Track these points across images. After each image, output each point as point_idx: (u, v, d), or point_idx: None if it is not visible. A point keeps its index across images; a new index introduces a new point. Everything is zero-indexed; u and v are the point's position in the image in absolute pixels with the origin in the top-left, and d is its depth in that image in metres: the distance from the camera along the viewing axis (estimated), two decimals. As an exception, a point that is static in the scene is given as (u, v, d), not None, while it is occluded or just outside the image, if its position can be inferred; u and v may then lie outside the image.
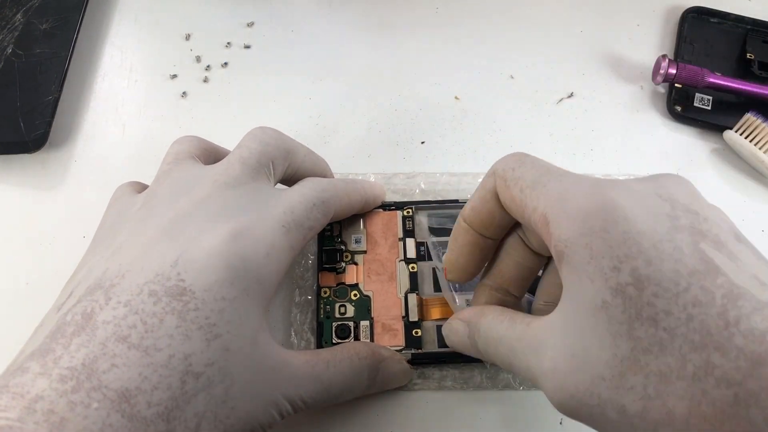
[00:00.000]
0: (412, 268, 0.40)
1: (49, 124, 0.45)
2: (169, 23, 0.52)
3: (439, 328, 0.38)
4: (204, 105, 0.48)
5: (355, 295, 0.39)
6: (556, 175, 0.29)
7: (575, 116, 0.48)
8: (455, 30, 0.52)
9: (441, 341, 0.38)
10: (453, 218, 0.41)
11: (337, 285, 0.39)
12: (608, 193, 0.26)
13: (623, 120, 0.48)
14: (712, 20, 0.52)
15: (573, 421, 0.36)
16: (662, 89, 0.49)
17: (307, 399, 0.32)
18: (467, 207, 0.34)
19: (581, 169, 0.45)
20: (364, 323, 0.38)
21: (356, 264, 0.40)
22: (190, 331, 0.28)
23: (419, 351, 0.37)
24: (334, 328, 0.38)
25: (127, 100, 0.49)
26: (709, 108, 0.47)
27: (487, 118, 0.48)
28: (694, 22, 0.52)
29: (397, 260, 0.40)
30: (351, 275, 0.40)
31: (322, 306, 0.39)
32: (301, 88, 0.49)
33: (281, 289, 0.40)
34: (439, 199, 0.43)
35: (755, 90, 0.46)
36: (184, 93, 0.49)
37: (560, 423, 0.37)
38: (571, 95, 0.49)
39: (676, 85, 0.48)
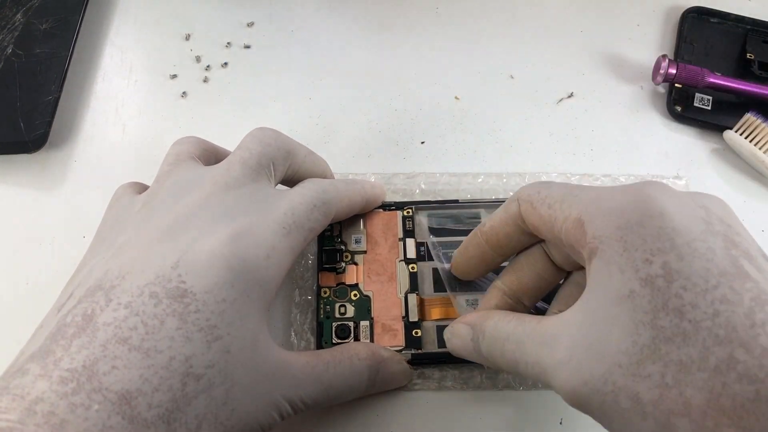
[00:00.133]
0: (412, 268, 0.40)
1: (49, 124, 0.45)
2: (169, 23, 0.52)
3: (439, 328, 0.38)
4: (204, 105, 0.48)
5: (355, 295, 0.39)
6: (585, 187, 0.30)
7: (575, 116, 0.48)
8: (455, 30, 0.52)
9: (441, 341, 0.38)
10: (453, 218, 0.42)
11: (337, 285, 0.39)
12: (645, 189, 0.27)
13: (623, 120, 0.48)
14: (712, 20, 0.52)
15: (573, 421, 0.37)
16: (662, 89, 0.49)
17: (307, 400, 0.32)
18: (487, 224, 0.35)
19: (581, 169, 0.45)
20: (364, 323, 0.38)
21: (356, 264, 0.40)
22: (190, 333, 0.28)
23: (419, 351, 0.37)
24: (334, 329, 0.38)
25: (127, 100, 0.49)
26: (709, 108, 0.47)
27: (487, 118, 0.48)
28: (694, 22, 0.52)
29: (397, 260, 0.40)
30: (351, 275, 0.40)
31: (322, 306, 0.39)
32: (301, 88, 0.49)
33: (281, 289, 0.40)
34: (439, 199, 0.43)
35: (755, 90, 0.46)
36: (184, 93, 0.49)
37: (560, 423, 0.37)
38: (571, 95, 0.49)
39: (676, 85, 0.48)
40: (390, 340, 0.38)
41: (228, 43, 0.51)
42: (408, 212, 0.42)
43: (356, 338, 0.38)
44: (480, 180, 0.44)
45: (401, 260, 0.40)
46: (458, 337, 0.34)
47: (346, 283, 0.40)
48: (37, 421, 0.24)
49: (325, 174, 0.39)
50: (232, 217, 0.32)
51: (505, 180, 0.44)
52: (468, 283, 0.39)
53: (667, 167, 0.46)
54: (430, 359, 0.37)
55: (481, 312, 0.34)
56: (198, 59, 0.50)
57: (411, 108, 0.48)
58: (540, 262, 0.34)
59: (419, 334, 0.38)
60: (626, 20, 0.53)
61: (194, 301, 0.28)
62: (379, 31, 0.52)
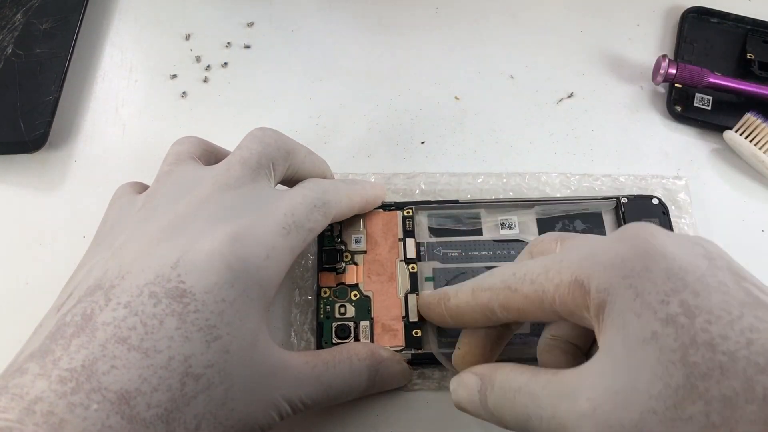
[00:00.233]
0: (412, 268, 0.40)
1: (49, 124, 0.45)
2: (169, 23, 0.52)
3: (439, 328, 0.38)
4: (204, 105, 0.48)
5: (355, 295, 0.39)
6: (567, 249, 0.29)
7: (575, 116, 0.48)
8: (455, 30, 0.52)
9: (441, 341, 0.38)
10: (453, 218, 0.42)
11: (337, 285, 0.39)
12: (640, 234, 0.26)
13: (623, 120, 0.48)
14: (712, 20, 0.52)
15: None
16: (662, 89, 0.49)
17: (306, 400, 0.32)
18: (452, 301, 0.34)
19: (581, 169, 0.45)
20: (364, 323, 0.38)
21: (356, 264, 0.40)
22: (190, 333, 0.28)
23: (419, 351, 0.37)
24: (334, 329, 0.38)
25: (127, 100, 0.49)
26: (709, 108, 0.47)
27: (487, 118, 0.48)
28: (694, 22, 0.52)
29: (397, 260, 0.40)
30: (351, 275, 0.40)
31: (322, 306, 0.39)
32: (301, 88, 0.49)
33: (281, 289, 0.40)
34: (439, 199, 0.43)
35: (755, 90, 0.46)
36: (184, 93, 0.49)
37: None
38: (571, 95, 0.49)
39: (676, 85, 0.48)
40: (390, 340, 0.38)
41: (228, 43, 0.51)
42: (408, 212, 0.42)
43: (356, 338, 0.38)
44: (480, 180, 0.44)
45: (401, 260, 0.40)
46: (465, 387, 0.32)
47: (346, 283, 0.39)
48: (35, 421, 0.24)
49: (325, 174, 0.39)
50: (232, 217, 0.32)
51: (505, 180, 0.44)
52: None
53: (667, 167, 0.46)
54: (430, 359, 0.37)
55: (491, 364, 0.32)
56: (198, 59, 0.50)
57: (411, 108, 0.48)
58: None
59: (419, 334, 0.38)
60: (626, 20, 0.53)
61: (193, 301, 0.28)
62: (379, 31, 0.52)
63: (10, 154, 0.45)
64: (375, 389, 0.36)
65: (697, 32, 0.51)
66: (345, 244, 0.41)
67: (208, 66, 0.50)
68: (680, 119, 0.47)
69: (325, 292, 0.39)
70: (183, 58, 0.51)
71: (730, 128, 0.46)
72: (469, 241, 0.41)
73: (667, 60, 0.47)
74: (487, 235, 0.41)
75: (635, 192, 0.43)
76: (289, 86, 0.49)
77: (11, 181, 0.45)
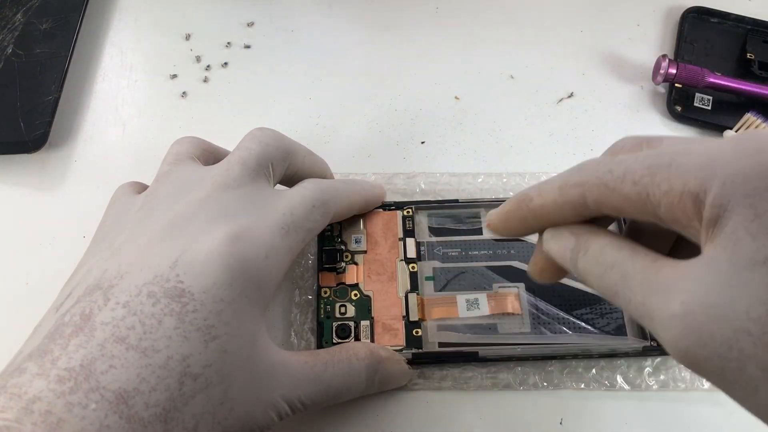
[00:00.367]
0: (413, 267, 0.40)
1: (49, 124, 0.45)
2: (169, 23, 0.52)
3: (439, 327, 0.38)
4: (204, 105, 0.48)
5: (355, 295, 0.39)
6: (674, 153, 0.26)
7: (575, 116, 0.48)
8: (455, 30, 0.52)
9: (441, 341, 0.38)
10: (453, 218, 0.42)
11: (338, 285, 0.39)
12: (764, 152, 0.24)
13: (623, 120, 0.48)
14: (712, 20, 0.52)
15: (573, 422, 0.37)
16: (662, 89, 0.49)
17: (305, 400, 0.32)
18: (536, 201, 0.31)
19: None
20: (365, 323, 0.38)
21: (356, 264, 0.40)
22: (188, 333, 0.28)
23: (419, 351, 0.37)
24: (334, 328, 0.38)
25: (127, 100, 0.49)
26: (709, 108, 0.47)
27: (487, 118, 0.48)
28: (694, 22, 0.52)
29: (398, 260, 0.40)
30: (351, 275, 0.40)
31: (322, 306, 0.39)
32: (301, 88, 0.49)
33: (281, 289, 0.40)
34: (439, 199, 0.43)
35: (755, 90, 0.46)
36: (184, 93, 0.49)
37: (560, 423, 0.37)
38: (571, 95, 0.49)
39: (676, 85, 0.48)
40: (390, 339, 0.38)
41: (228, 43, 0.51)
42: (408, 212, 0.42)
43: (356, 338, 0.38)
44: (480, 180, 0.44)
45: (401, 260, 0.40)
46: (558, 241, 0.30)
47: (347, 283, 0.39)
48: (34, 420, 0.24)
49: (324, 174, 0.39)
50: (231, 218, 0.32)
51: (505, 180, 0.44)
52: None
53: (668, 167, 0.45)
54: (430, 359, 0.37)
55: (589, 225, 0.30)
56: (198, 59, 0.50)
57: (411, 108, 0.48)
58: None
59: (419, 334, 0.38)
60: (626, 20, 0.53)
61: (192, 300, 0.28)
62: (379, 31, 0.52)
63: (10, 154, 0.45)
64: (374, 389, 0.36)
65: (697, 32, 0.51)
66: (345, 244, 0.41)
67: (208, 66, 0.50)
68: (680, 119, 0.47)
69: (326, 292, 0.39)
70: (183, 58, 0.51)
71: (730, 128, 0.46)
72: (469, 240, 0.41)
73: (667, 60, 0.47)
74: (487, 234, 0.41)
75: (635, 192, 0.43)
76: (289, 86, 0.49)
77: (11, 181, 0.45)
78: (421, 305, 0.39)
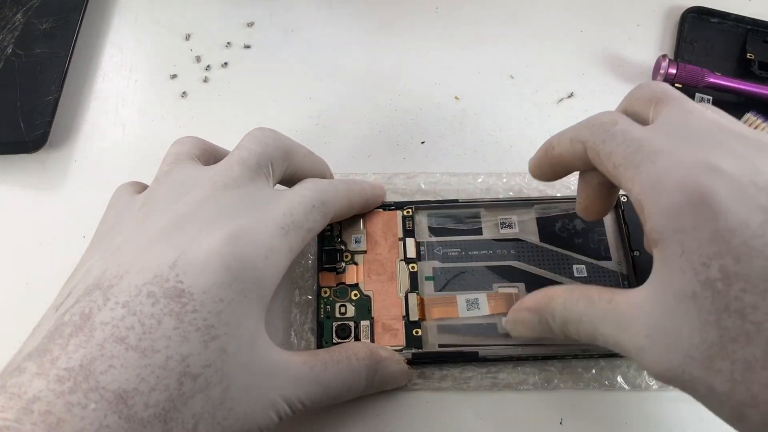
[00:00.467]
0: (412, 267, 0.40)
1: (49, 124, 0.45)
2: (169, 23, 0.52)
3: (439, 327, 0.38)
4: (204, 105, 0.48)
5: (355, 295, 0.39)
6: (648, 153, 0.29)
7: (575, 116, 0.48)
8: (455, 30, 0.52)
9: (441, 341, 0.38)
10: (453, 218, 0.42)
11: (337, 285, 0.39)
12: (701, 184, 0.26)
13: (623, 120, 0.48)
14: (712, 20, 0.52)
15: (573, 422, 0.37)
16: (662, 89, 0.49)
17: (305, 400, 0.32)
18: (556, 151, 0.35)
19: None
20: (365, 323, 0.38)
21: (356, 264, 0.40)
22: (187, 333, 0.28)
23: (419, 351, 0.37)
24: (334, 328, 0.38)
25: (127, 100, 0.49)
26: (709, 108, 0.47)
27: (487, 118, 0.48)
28: (694, 22, 0.52)
29: (398, 260, 0.40)
30: (351, 275, 0.40)
31: (322, 306, 0.39)
32: (301, 88, 0.49)
33: (281, 289, 0.40)
34: (439, 199, 0.43)
35: (755, 90, 0.46)
36: (184, 93, 0.49)
37: (560, 423, 0.37)
38: (571, 95, 0.49)
39: (676, 85, 0.47)
40: (390, 339, 0.38)
41: (228, 43, 0.51)
42: (408, 212, 0.42)
43: (356, 338, 0.38)
44: (480, 180, 0.44)
45: (401, 260, 0.40)
46: (523, 324, 0.35)
47: (347, 283, 0.39)
48: (33, 420, 0.24)
49: (324, 174, 0.39)
50: (231, 217, 0.32)
51: (505, 180, 0.44)
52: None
53: (668, 167, 0.45)
54: (430, 359, 0.37)
55: (540, 294, 0.34)
56: (198, 59, 0.50)
57: (411, 108, 0.48)
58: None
59: (419, 334, 0.38)
60: (626, 20, 0.53)
61: (191, 300, 0.28)
62: (379, 31, 0.52)
63: (10, 154, 0.45)
64: (374, 389, 0.36)
65: (697, 32, 0.51)
66: (345, 244, 0.41)
67: (208, 66, 0.50)
68: (680, 119, 0.47)
69: (326, 292, 0.39)
70: (183, 58, 0.51)
71: (731, 128, 0.46)
72: (469, 240, 0.41)
73: (667, 60, 0.47)
74: (487, 234, 0.41)
75: (635, 191, 0.43)
76: (289, 86, 0.49)
77: (11, 181, 0.45)
78: (421, 305, 0.39)
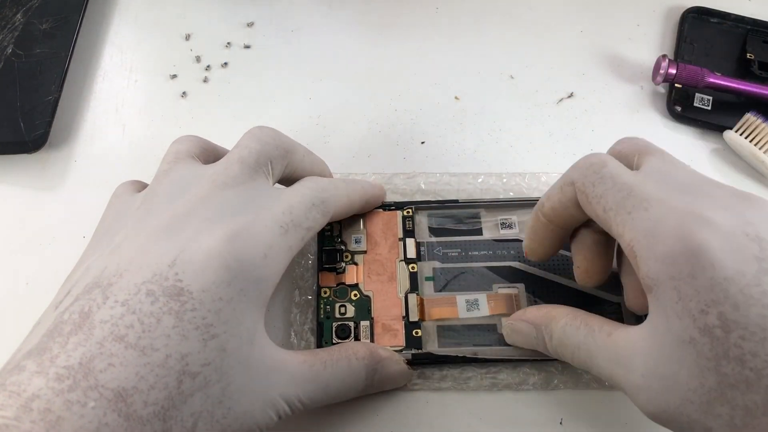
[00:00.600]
0: (412, 268, 0.40)
1: (49, 124, 0.45)
2: (169, 23, 0.52)
3: (439, 328, 0.38)
4: (204, 105, 0.48)
5: (355, 295, 0.39)
6: (639, 200, 0.30)
7: (575, 116, 0.48)
8: (455, 30, 0.52)
9: (441, 341, 0.38)
10: (453, 218, 0.42)
11: (337, 285, 0.39)
12: (695, 236, 0.27)
13: (623, 120, 0.48)
14: (712, 20, 0.52)
15: (573, 421, 0.37)
16: (662, 89, 0.49)
17: (304, 399, 0.32)
18: (547, 206, 0.35)
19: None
20: (365, 323, 0.38)
21: (356, 264, 0.40)
22: (187, 332, 0.28)
23: (419, 351, 0.37)
24: (334, 328, 0.38)
25: (127, 100, 0.49)
26: (709, 108, 0.47)
27: (487, 118, 0.48)
28: (694, 22, 0.52)
29: (397, 260, 0.40)
30: (351, 275, 0.40)
31: (322, 306, 0.39)
32: (301, 88, 0.49)
33: (281, 289, 0.40)
34: (439, 199, 0.43)
35: (755, 90, 0.46)
36: (184, 93, 0.49)
37: (560, 423, 0.37)
38: (571, 95, 0.49)
39: (676, 85, 0.47)
40: (390, 339, 0.38)
41: (228, 43, 0.51)
42: (408, 212, 0.42)
43: (356, 338, 0.38)
44: (480, 180, 0.44)
45: (401, 260, 0.40)
46: (519, 333, 0.36)
47: (346, 283, 0.39)
48: (33, 418, 0.24)
49: (323, 174, 0.39)
50: (230, 216, 0.32)
51: (505, 180, 0.44)
52: None
53: (668, 167, 0.45)
54: (430, 359, 0.37)
55: (543, 310, 0.35)
56: (198, 59, 0.50)
57: (411, 108, 0.48)
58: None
59: (419, 334, 0.38)
60: (626, 20, 0.53)
61: (191, 299, 0.28)
62: (379, 31, 0.52)
63: (10, 154, 0.45)
64: (374, 389, 0.36)
65: (697, 32, 0.51)
66: (345, 244, 0.41)
67: (208, 66, 0.50)
68: (680, 119, 0.47)
69: (325, 292, 0.39)
70: (183, 58, 0.51)
71: (730, 128, 0.46)
72: (469, 240, 0.41)
73: (667, 60, 0.47)
74: (487, 234, 0.41)
75: (635, 192, 0.43)
76: (289, 86, 0.49)
77: (11, 181, 0.45)
78: (421, 305, 0.39)
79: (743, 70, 0.49)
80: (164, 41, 0.51)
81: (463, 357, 0.37)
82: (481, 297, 0.39)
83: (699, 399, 0.26)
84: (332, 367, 0.33)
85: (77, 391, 0.25)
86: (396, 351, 0.37)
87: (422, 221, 0.42)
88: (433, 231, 0.41)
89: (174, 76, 0.50)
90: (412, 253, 0.40)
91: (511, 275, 0.40)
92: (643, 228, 0.29)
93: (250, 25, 0.52)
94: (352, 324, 0.38)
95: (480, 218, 0.42)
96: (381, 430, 0.37)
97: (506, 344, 0.37)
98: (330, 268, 0.40)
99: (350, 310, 0.39)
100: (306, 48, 0.51)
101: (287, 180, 0.37)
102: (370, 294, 0.39)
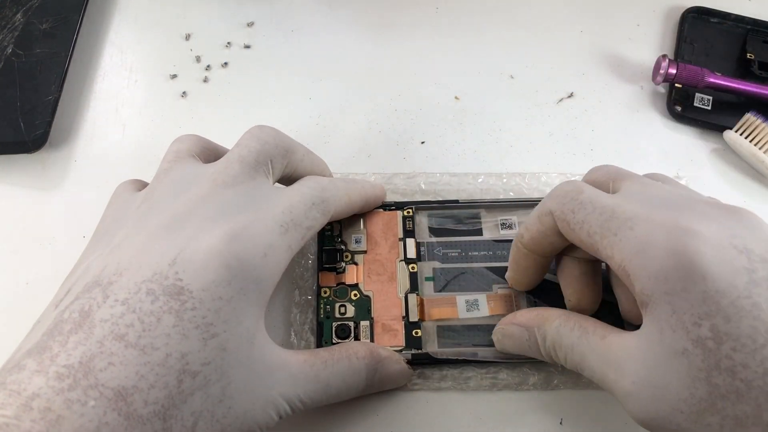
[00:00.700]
0: (412, 268, 0.40)
1: (49, 124, 0.45)
2: (169, 23, 0.52)
3: (439, 328, 0.38)
4: (204, 105, 0.48)
5: (355, 295, 0.39)
6: (623, 220, 0.30)
7: (575, 116, 0.48)
8: (455, 30, 0.52)
9: (441, 341, 0.38)
10: (453, 218, 0.42)
11: (337, 285, 0.39)
12: (686, 248, 0.27)
13: (623, 120, 0.48)
14: (712, 20, 0.52)
15: (573, 422, 0.37)
16: (662, 89, 0.49)
17: (305, 399, 0.32)
18: (525, 236, 0.35)
19: (581, 169, 0.45)
20: (364, 323, 0.38)
21: (356, 264, 0.40)
22: (187, 331, 0.28)
23: (419, 351, 0.37)
24: (334, 328, 0.38)
25: (127, 100, 0.49)
26: (709, 108, 0.47)
27: (487, 118, 0.48)
28: (694, 22, 0.52)
29: (398, 260, 0.40)
30: (351, 275, 0.40)
31: (322, 306, 0.39)
32: (301, 88, 0.49)
33: (281, 289, 0.40)
34: (439, 199, 0.43)
35: (755, 90, 0.46)
36: (184, 93, 0.49)
37: (560, 423, 0.37)
38: (571, 95, 0.49)
39: (676, 85, 0.48)
40: (390, 340, 0.38)
41: (228, 43, 0.51)
42: (408, 212, 0.42)
43: (356, 338, 0.38)
44: (480, 180, 0.44)
45: (401, 260, 0.40)
46: (511, 338, 0.36)
47: (346, 283, 0.39)
48: (33, 417, 0.24)
49: (323, 173, 0.39)
50: (230, 215, 0.32)
51: (505, 180, 0.44)
52: None
53: (667, 167, 0.45)
54: (429, 359, 0.37)
55: (534, 312, 0.35)
56: (198, 59, 0.50)
57: (411, 108, 0.48)
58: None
59: (419, 334, 0.38)
60: (626, 20, 0.53)
61: (191, 298, 0.28)
62: (379, 31, 0.52)
63: (10, 154, 0.45)
64: (374, 389, 0.36)
65: (697, 32, 0.51)
66: (345, 244, 0.41)
67: (208, 66, 0.50)
68: (680, 119, 0.47)
69: (325, 292, 0.39)
70: (183, 58, 0.51)
71: (730, 128, 0.46)
72: (469, 241, 0.41)
73: (667, 60, 0.47)
74: (487, 235, 0.41)
75: (635, 192, 0.43)
76: (289, 86, 0.49)
77: (11, 181, 0.45)
78: (421, 306, 0.39)
79: (743, 70, 0.49)
80: (164, 41, 0.51)
81: (463, 357, 0.37)
82: (481, 297, 0.39)
83: (689, 409, 0.26)
84: (333, 366, 0.33)
85: (77, 390, 0.25)
86: (396, 351, 0.37)
87: (422, 221, 0.42)
88: (433, 231, 0.41)
89: (174, 76, 0.50)
90: (412, 253, 0.40)
91: (511, 275, 0.40)
92: (632, 247, 0.29)
93: (250, 25, 0.52)
94: (352, 324, 0.38)
95: (480, 218, 0.42)
96: (381, 430, 0.37)
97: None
98: (330, 268, 0.40)
99: (350, 310, 0.39)
100: (306, 48, 0.51)
101: (287, 179, 0.37)
102: (370, 294, 0.39)
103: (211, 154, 0.37)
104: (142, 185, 0.37)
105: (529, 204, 0.42)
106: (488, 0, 0.54)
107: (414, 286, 0.39)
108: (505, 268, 0.40)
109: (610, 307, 0.37)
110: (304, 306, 0.40)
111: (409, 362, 0.37)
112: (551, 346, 0.33)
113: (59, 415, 0.24)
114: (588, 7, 0.53)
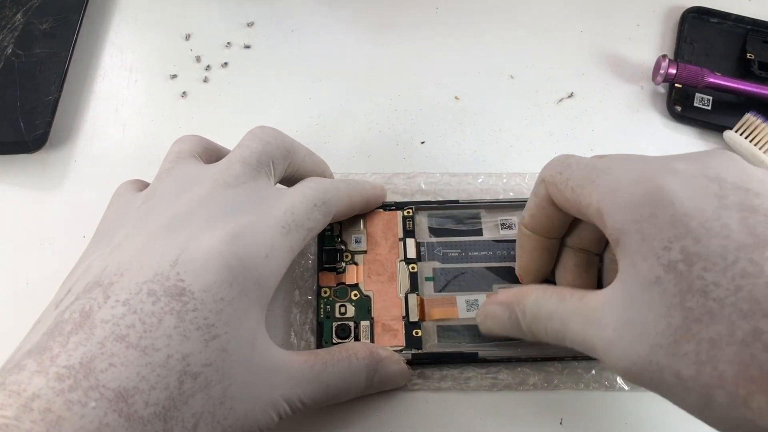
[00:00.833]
0: (413, 268, 0.40)
1: (49, 124, 0.45)
2: (169, 23, 0.52)
3: (439, 328, 0.38)
4: (204, 105, 0.48)
5: (355, 295, 0.39)
6: (603, 169, 0.30)
7: (575, 116, 0.48)
8: (455, 30, 0.52)
9: (441, 341, 0.38)
10: (453, 218, 0.42)
11: (338, 285, 0.39)
12: (655, 179, 0.28)
13: (623, 120, 0.48)
14: (712, 20, 0.52)
15: (573, 421, 0.37)
16: (662, 89, 0.49)
17: (305, 399, 0.32)
18: (526, 216, 0.36)
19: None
20: (365, 323, 0.38)
21: (356, 264, 0.40)
22: (188, 332, 0.28)
23: (419, 351, 0.37)
24: (334, 328, 0.38)
25: (127, 100, 0.49)
26: (709, 108, 0.47)
27: (487, 118, 0.48)
28: (694, 22, 0.52)
29: (398, 260, 0.40)
30: (351, 275, 0.40)
31: (322, 306, 0.39)
32: (301, 88, 0.49)
33: (281, 289, 0.40)
34: (439, 199, 0.43)
35: (755, 90, 0.46)
36: (184, 93, 0.49)
37: (560, 423, 0.37)
38: (571, 95, 0.49)
39: (676, 85, 0.47)
40: (390, 340, 0.38)
41: (228, 43, 0.51)
42: (408, 212, 0.42)
43: (356, 338, 0.38)
44: (480, 180, 0.44)
45: (401, 260, 0.40)
46: (493, 318, 0.35)
47: (347, 283, 0.39)
48: (33, 418, 0.24)
49: (324, 174, 0.39)
50: (232, 216, 0.32)
51: (505, 180, 0.44)
52: None
53: (668, 167, 0.45)
54: (430, 359, 0.37)
55: (514, 290, 0.35)
56: (198, 59, 0.50)
57: (411, 108, 0.48)
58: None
59: (419, 334, 0.38)
60: (626, 20, 0.53)
61: (192, 299, 0.28)
62: (379, 31, 0.52)
63: (10, 154, 0.45)
64: (374, 389, 0.36)
65: (697, 32, 0.51)
66: (345, 244, 0.41)
67: (208, 66, 0.50)
68: (680, 119, 0.47)
69: (326, 292, 0.39)
70: (183, 58, 0.51)
71: (730, 128, 0.46)
72: (469, 241, 0.41)
73: (667, 60, 0.47)
74: (487, 235, 0.41)
75: (635, 192, 0.43)
76: (289, 86, 0.49)
77: (11, 181, 0.45)
78: (421, 306, 0.39)
79: (743, 70, 0.49)
80: (164, 41, 0.51)
81: (463, 357, 0.37)
82: (481, 297, 0.39)
83: (666, 341, 0.26)
84: (333, 367, 0.33)
85: (78, 391, 0.25)
86: (396, 351, 0.37)
87: (422, 221, 0.42)
88: (434, 231, 0.41)
89: (174, 76, 0.50)
90: (412, 253, 0.40)
91: (511, 276, 0.40)
92: (607, 186, 0.29)
93: (250, 25, 0.52)
94: (352, 324, 0.38)
95: (480, 218, 0.42)
96: (381, 430, 0.37)
97: (506, 344, 0.37)
98: (330, 268, 0.40)
99: (350, 310, 0.39)
100: (306, 48, 0.51)
101: (289, 180, 0.37)
102: (370, 294, 0.39)
103: (212, 154, 0.37)
104: (143, 185, 0.37)
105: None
106: (488, 0, 0.54)
107: (414, 286, 0.39)
108: (506, 268, 0.40)
109: None
110: (304, 306, 0.40)
111: (409, 362, 0.37)
112: (531, 319, 0.33)
113: (59, 416, 0.24)
114: (588, 7, 0.53)
